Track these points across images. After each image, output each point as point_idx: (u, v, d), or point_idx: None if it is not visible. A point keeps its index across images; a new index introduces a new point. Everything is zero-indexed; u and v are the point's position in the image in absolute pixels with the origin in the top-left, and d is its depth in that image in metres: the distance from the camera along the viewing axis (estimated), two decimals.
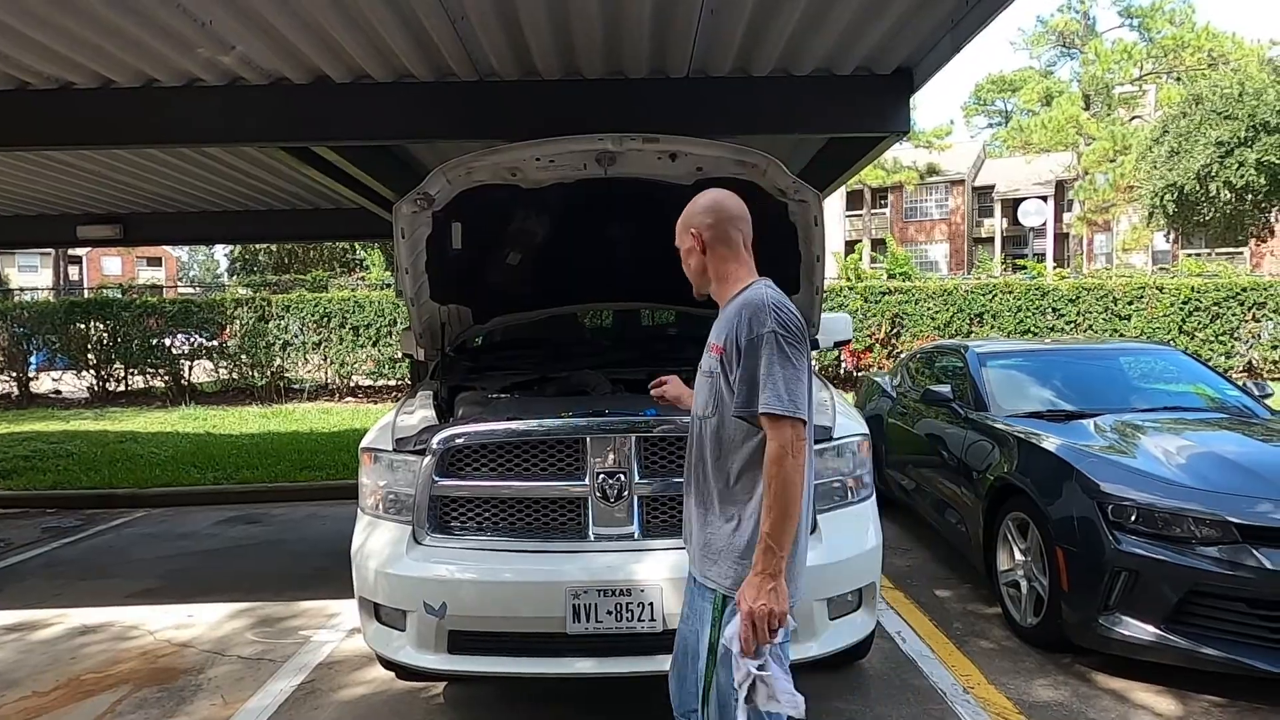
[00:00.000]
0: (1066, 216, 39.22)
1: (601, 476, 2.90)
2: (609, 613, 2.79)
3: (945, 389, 5.12)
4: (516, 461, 2.97)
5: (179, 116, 3.93)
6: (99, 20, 3.33)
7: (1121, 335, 13.14)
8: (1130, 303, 13.44)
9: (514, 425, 2.95)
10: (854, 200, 42.36)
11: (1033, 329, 13.56)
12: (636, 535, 2.93)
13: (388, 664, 3.13)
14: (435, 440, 2.99)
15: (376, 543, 3.06)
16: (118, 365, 14.52)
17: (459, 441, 2.97)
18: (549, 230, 3.73)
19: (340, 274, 23.91)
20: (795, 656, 2.90)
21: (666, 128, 3.29)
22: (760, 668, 1.80)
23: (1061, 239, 39.81)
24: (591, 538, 2.94)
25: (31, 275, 44.59)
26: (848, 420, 3.29)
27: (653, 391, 2.43)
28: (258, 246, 33.64)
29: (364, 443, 3.27)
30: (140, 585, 5.19)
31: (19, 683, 3.79)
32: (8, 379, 14.66)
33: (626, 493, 2.90)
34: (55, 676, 3.85)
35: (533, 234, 3.73)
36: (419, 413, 3.41)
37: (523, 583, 2.84)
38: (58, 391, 15.16)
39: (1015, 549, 4.06)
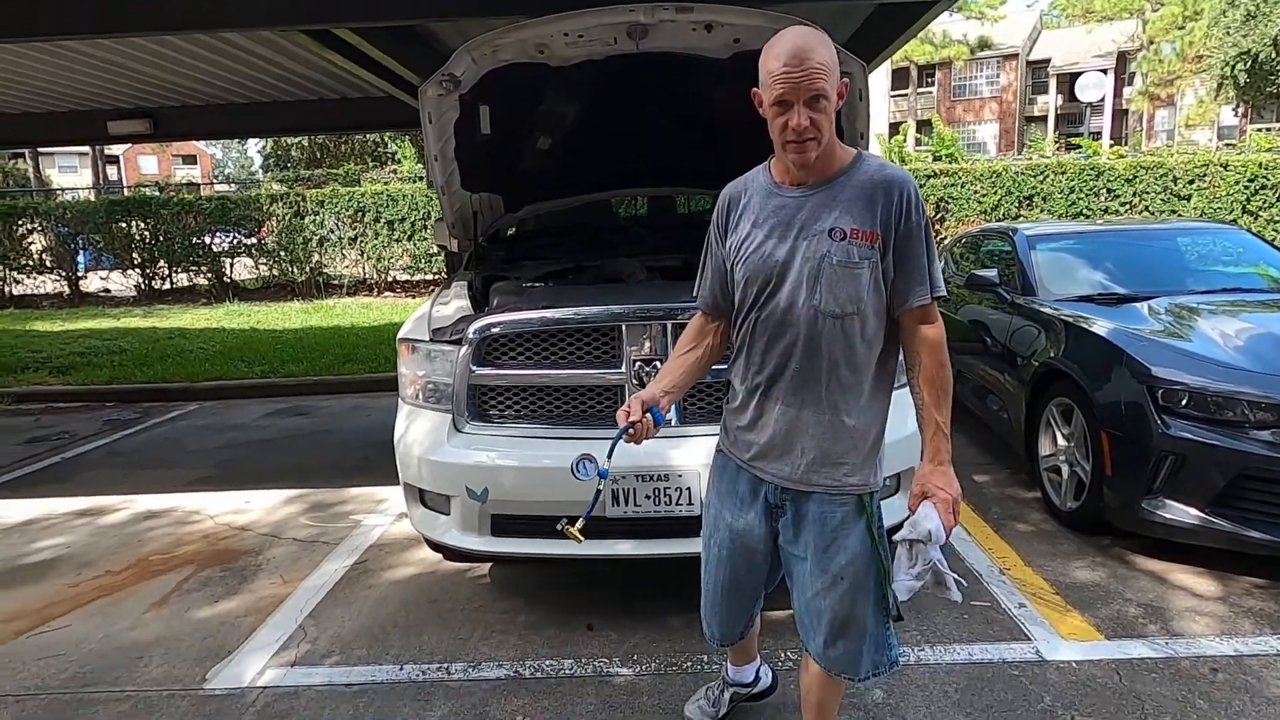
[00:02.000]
0: (1127, 91, 37.04)
1: (638, 364, 2.88)
2: (647, 497, 2.83)
3: (991, 273, 4.96)
4: (552, 350, 2.96)
5: (192, 1, 3.79)
6: None
7: (1180, 216, 12.55)
8: (1191, 182, 12.75)
9: (548, 313, 2.92)
10: (899, 79, 40.34)
11: (1086, 211, 13.01)
12: (674, 422, 2.93)
13: (434, 545, 3.23)
14: (471, 330, 2.99)
15: (418, 431, 3.11)
16: (162, 264, 14.74)
17: (494, 330, 2.96)
18: (580, 112, 3.59)
19: (372, 167, 23.69)
20: None
21: None
22: (942, 560, 1.78)
23: (1120, 115, 37.74)
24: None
25: (72, 175, 45.04)
26: None
27: (633, 424, 2.04)
28: (289, 142, 33.42)
29: (401, 333, 3.28)
30: (198, 473, 5.41)
31: (93, 563, 4.02)
32: (58, 278, 15.03)
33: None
34: (125, 557, 4.07)
35: (563, 116, 3.59)
36: (454, 303, 3.39)
37: (560, 468, 2.86)
38: (107, 290, 15.53)
39: (1058, 434, 4.01)
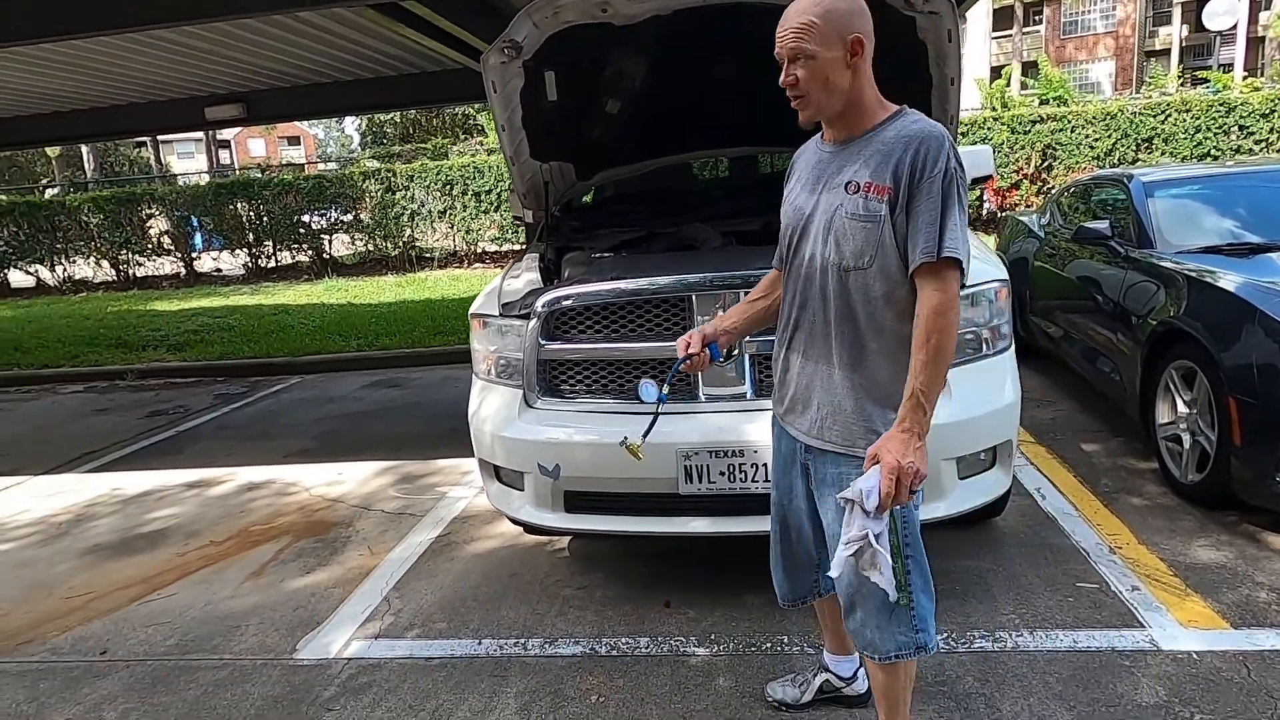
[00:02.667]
0: (1263, 16, 33.68)
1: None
2: (721, 474, 2.72)
3: (1102, 225, 4.57)
4: (622, 322, 2.88)
5: None
6: None
7: None
8: None
9: (617, 285, 2.83)
10: (1002, 19, 37.90)
11: (1214, 152, 11.92)
12: (749, 395, 2.81)
13: (512, 519, 3.23)
14: (539, 303, 2.93)
15: (490, 407, 3.09)
16: (266, 243, 15.42)
17: (562, 304, 2.89)
18: (648, 73, 3.44)
19: (462, 140, 24.07)
20: (923, 518, 2.77)
21: None
22: (878, 535, 1.67)
23: (1256, 44, 34.40)
24: (702, 398, 2.84)
25: (189, 161, 47.73)
26: (985, 265, 2.95)
27: (691, 356, 2.06)
28: (383, 119, 34.30)
29: (473, 308, 3.26)
30: (297, 445, 5.62)
31: (199, 533, 4.23)
32: (175, 259, 15.94)
33: (737, 351, 2.75)
34: (228, 528, 4.26)
35: (631, 78, 3.45)
36: (524, 276, 3.35)
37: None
38: (218, 270, 16.39)
39: (1178, 400, 3.67)
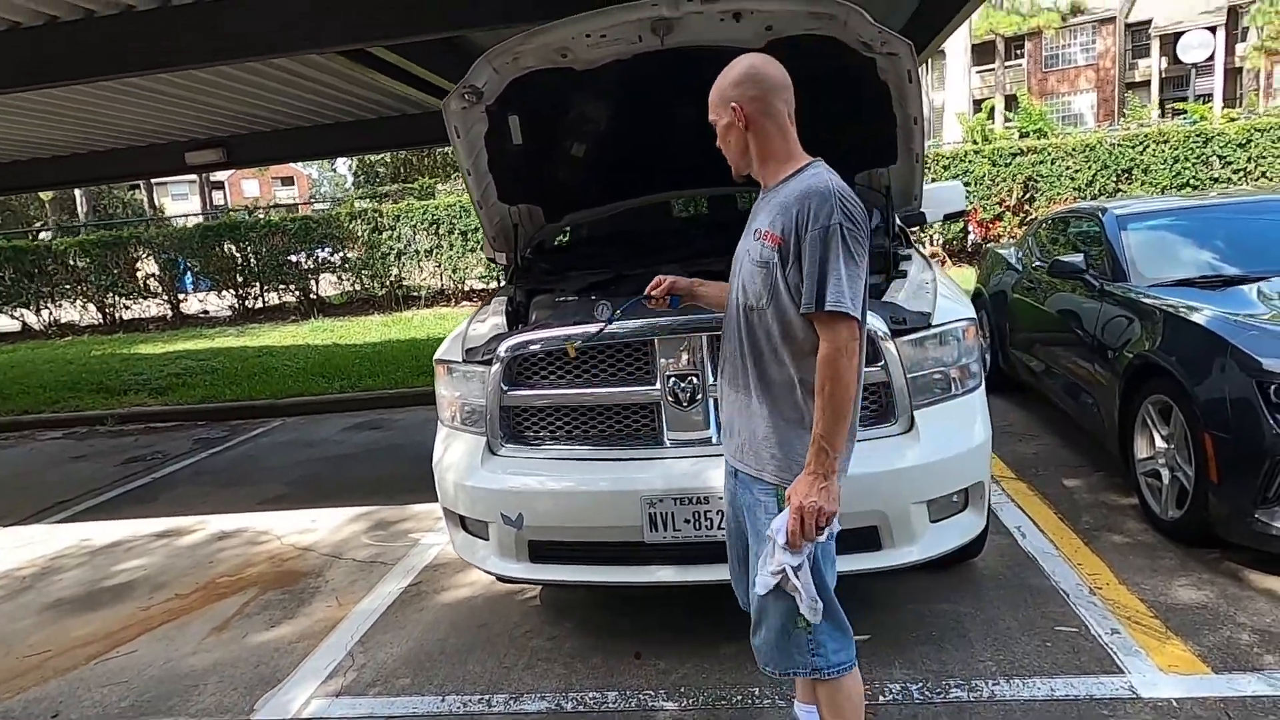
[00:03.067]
0: (1239, 48, 34.32)
1: (673, 379, 2.72)
2: (687, 521, 2.66)
3: (1077, 258, 4.56)
4: (583, 367, 2.83)
5: (231, 31, 3.82)
6: None
7: None
8: None
9: (575, 330, 2.79)
10: (983, 53, 38.51)
11: (1193, 182, 12.03)
12: (714, 440, 2.75)
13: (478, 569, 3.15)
14: (501, 349, 2.89)
15: (454, 454, 3.04)
16: (254, 284, 15.40)
17: (523, 349, 2.85)
18: (614, 115, 3.44)
19: (451, 178, 24.23)
20: (895, 563, 2.72)
21: None
22: (797, 567, 1.83)
23: (1233, 75, 35.01)
24: (667, 444, 2.79)
25: (183, 203, 47.91)
26: (951, 304, 2.94)
27: (653, 293, 2.23)
28: (374, 159, 34.51)
29: (438, 354, 3.22)
30: (272, 492, 5.54)
31: (165, 585, 4.13)
32: (162, 302, 15.90)
33: (700, 395, 2.71)
34: (195, 579, 4.17)
35: (597, 120, 3.45)
36: (490, 320, 3.31)
37: (597, 492, 2.75)
38: (205, 311, 16.34)
39: (1156, 435, 3.63)
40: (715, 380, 2.68)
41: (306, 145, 7.98)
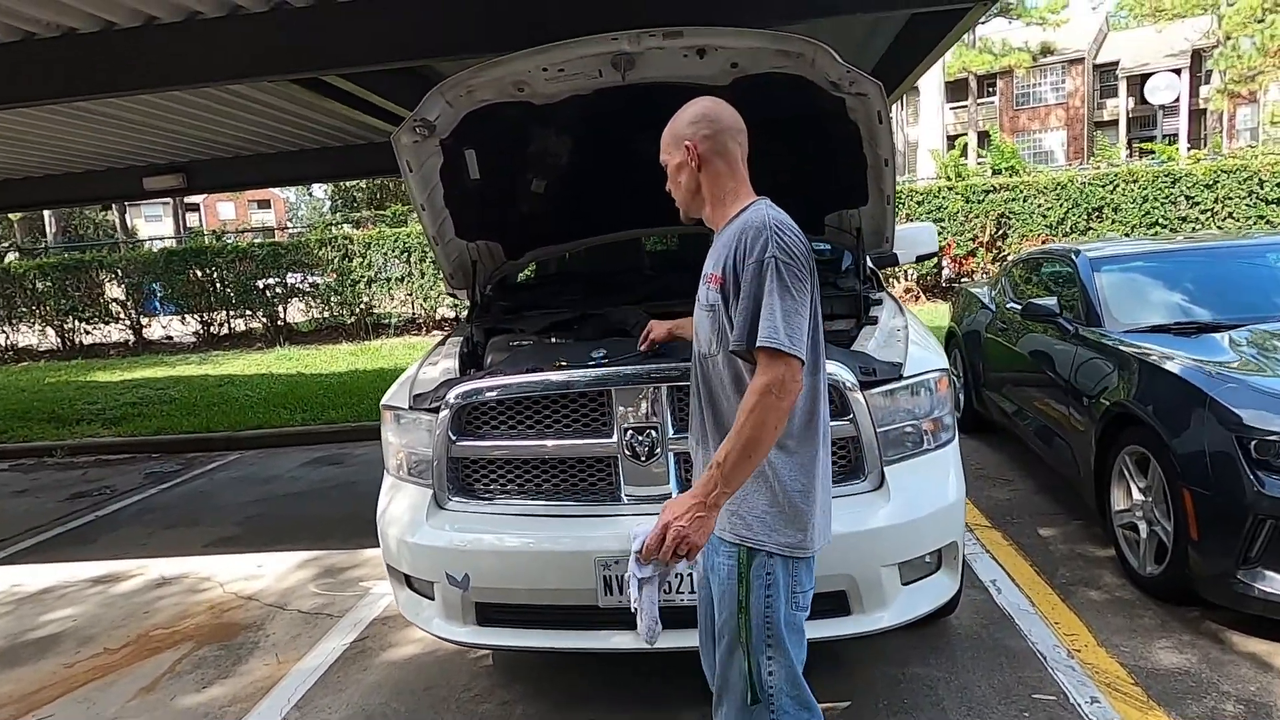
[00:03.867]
0: (1203, 90, 35.22)
1: (630, 432, 2.56)
2: None
3: (1050, 301, 4.49)
4: (536, 417, 2.67)
5: (179, 56, 3.66)
6: None
7: (1271, 224, 11.61)
8: None
9: (528, 378, 2.63)
10: (957, 91, 39.22)
11: (1162, 221, 12.16)
12: (674, 496, 2.58)
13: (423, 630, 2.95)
14: (450, 395, 2.71)
15: (399, 507, 2.85)
16: (219, 310, 15.08)
17: (472, 397, 2.68)
18: (574, 151, 3.31)
19: None
20: (865, 629, 2.55)
21: (709, 20, 2.78)
22: (643, 580, 1.81)
23: (1197, 116, 35.90)
24: (624, 500, 2.62)
25: (157, 224, 47.20)
26: (923, 353, 2.81)
27: (641, 348, 2.34)
28: (349, 184, 34.30)
29: (384, 399, 3.04)
30: (220, 533, 5.28)
31: (94, 639, 3.87)
32: (124, 327, 15.52)
33: (659, 449, 2.55)
34: (127, 632, 3.91)
35: (557, 156, 3.32)
36: (442, 363, 3.15)
37: (548, 552, 2.57)
38: (169, 337, 15.97)
39: (1133, 487, 3.52)
40: (674, 433, 2.55)
41: (270, 171, 7.79)
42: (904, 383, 2.66)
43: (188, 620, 4.00)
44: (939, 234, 8.92)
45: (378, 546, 4.53)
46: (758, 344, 1.67)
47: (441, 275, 3.76)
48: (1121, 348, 3.80)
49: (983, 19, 3.98)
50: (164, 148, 7.05)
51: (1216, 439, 3.00)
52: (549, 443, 2.65)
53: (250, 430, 8.16)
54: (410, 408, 2.85)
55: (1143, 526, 3.45)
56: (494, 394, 2.65)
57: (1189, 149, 22.52)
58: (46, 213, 30.73)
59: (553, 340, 3.15)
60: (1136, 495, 3.50)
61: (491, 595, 2.64)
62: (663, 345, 2.64)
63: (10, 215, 29.71)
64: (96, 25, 3.73)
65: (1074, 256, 4.78)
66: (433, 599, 2.77)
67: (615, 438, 2.57)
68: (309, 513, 5.58)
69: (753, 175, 1.90)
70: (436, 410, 2.74)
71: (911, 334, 2.93)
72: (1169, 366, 3.41)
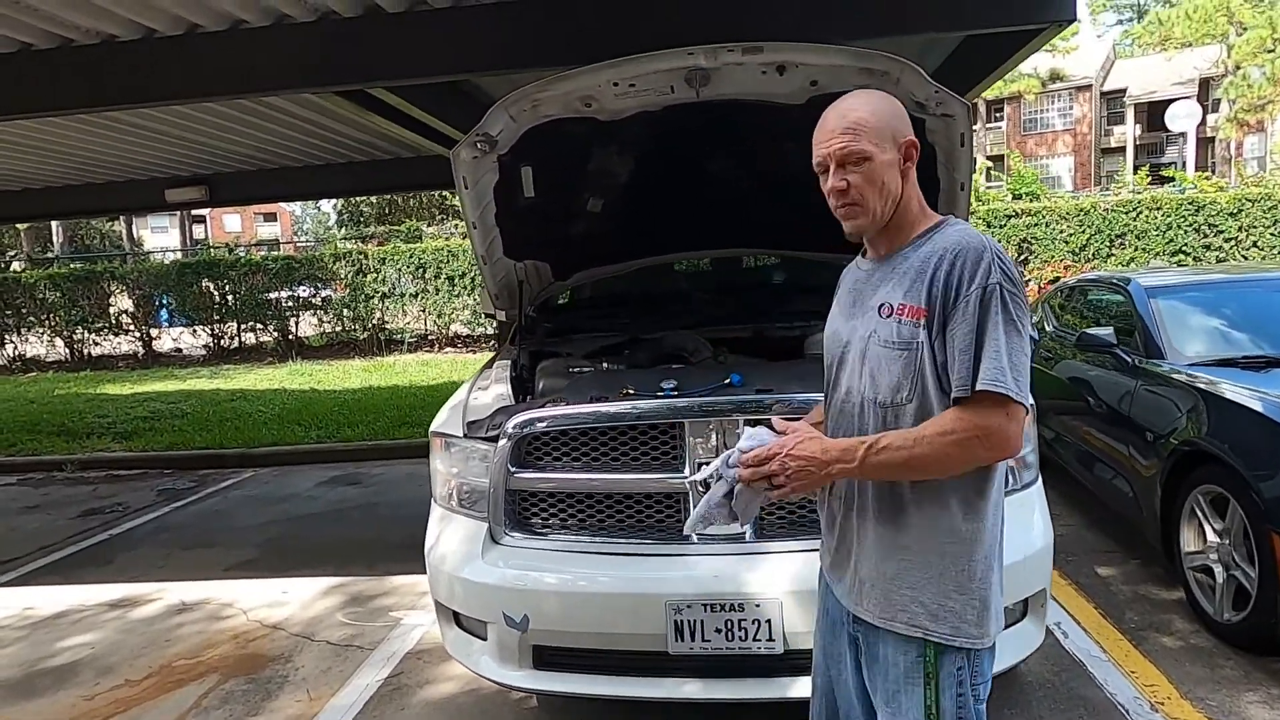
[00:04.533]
0: (1211, 119, 35.32)
1: (704, 467, 2.41)
2: (718, 630, 2.34)
3: (1106, 331, 4.35)
4: (603, 449, 2.52)
5: (222, 65, 3.56)
6: None
7: None
8: None
9: (598, 408, 2.49)
10: None
11: (1185, 249, 12.06)
12: (749, 537, 2.44)
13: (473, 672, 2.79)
14: (509, 425, 2.57)
15: (451, 541, 2.70)
16: (230, 324, 14.97)
17: (535, 427, 2.54)
18: (635, 169, 3.19)
19: (438, 221, 24.04)
20: None
21: (776, 37, 2.67)
22: (720, 477, 1.60)
23: (1205, 144, 35.96)
24: (694, 539, 2.47)
25: (163, 236, 47.23)
26: None
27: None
28: (358, 199, 34.31)
29: (434, 425, 2.90)
30: (240, 556, 5.12)
31: (114, 669, 3.70)
32: (133, 339, 15.39)
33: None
34: (149, 662, 3.75)
35: (616, 175, 3.20)
36: (494, 388, 3.00)
37: (615, 594, 2.42)
38: (179, 350, 15.84)
39: (1208, 528, 3.36)
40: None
41: (293, 185, 7.69)
42: None
43: (212, 650, 3.83)
44: None
45: (405, 574, 4.47)
46: (979, 387, 1.40)
47: (482, 295, 3.62)
48: (1190, 382, 3.66)
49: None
50: (187, 159, 6.96)
51: None
52: (615, 476, 2.50)
53: (265, 447, 8.01)
54: (464, 435, 2.70)
55: (1218, 570, 3.30)
56: (558, 424, 2.51)
57: (1197, 174, 22.46)
58: (54, 223, 30.75)
59: (614, 367, 3.01)
60: (1211, 537, 3.34)
61: (551, 638, 2.49)
62: (733, 377, 2.51)
63: (18, 224, 29.72)
64: (138, 32, 3.63)
65: (1126, 284, 4.65)
66: (484, 638, 2.61)
67: (688, 473, 2.43)
68: (330, 535, 5.42)
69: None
70: (495, 439, 2.60)
71: None
72: (1249, 402, 3.26)
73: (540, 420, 2.52)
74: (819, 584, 1.77)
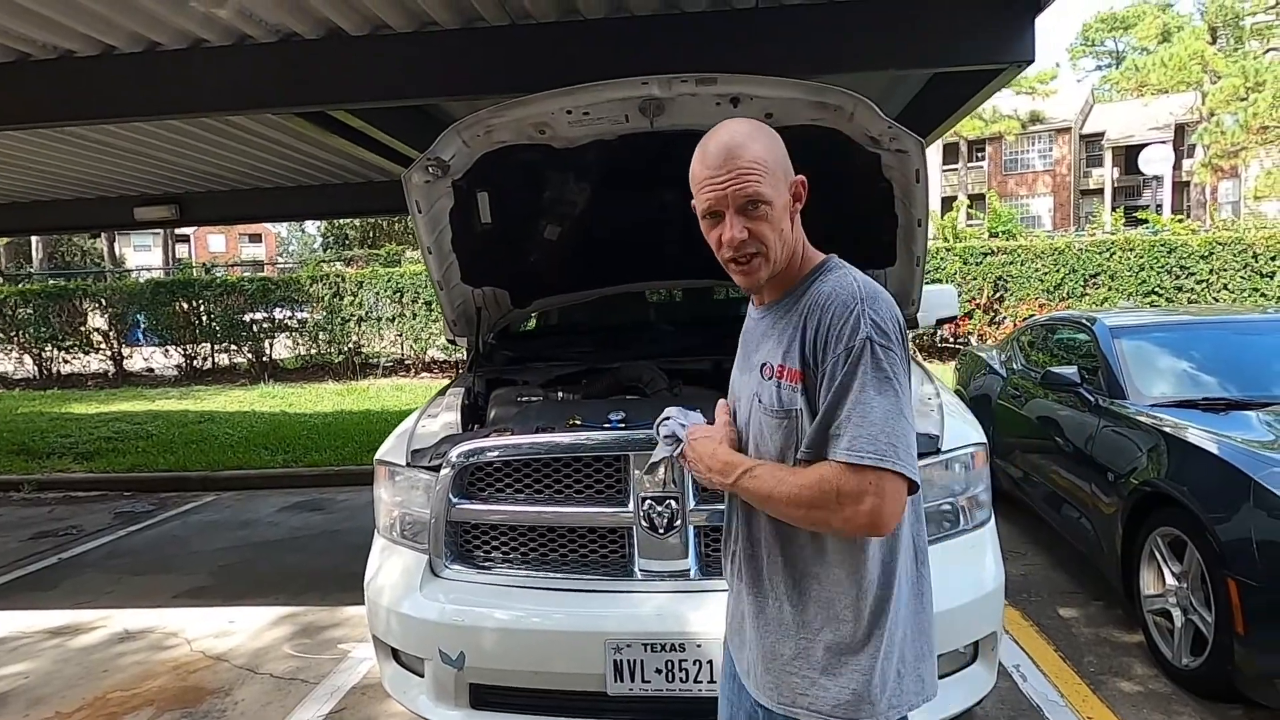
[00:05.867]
0: (1186, 164, 36.08)
1: (648, 502, 2.35)
2: (658, 671, 2.26)
3: (1070, 370, 4.35)
4: (547, 481, 2.46)
5: (181, 83, 3.53)
6: None
7: (1265, 298, 11.65)
8: (1275, 258, 11.90)
9: (542, 438, 2.43)
10: (949, 154, 40.03)
11: (1158, 290, 12.20)
12: (693, 574, 2.38)
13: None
14: (453, 454, 2.51)
15: (390, 573, 2.62)
16: (203, 343, 14.80)
17: (478, 457, 2.47)
18: (591, 198, 3.17)
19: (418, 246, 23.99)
20: None
21: (732, 69, 2.67)
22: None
23: (1180, 188, 36.70)
24: (638, 575, 2.41)
25: (145, 254, 46.88)
26: (960, 425, 2.65)
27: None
28: (343, 221, 34.29)
29: (379, 452, 2.83)
30: (191, 583, 4.98)
31: (45, 700, 3.56)
32: (104, 358, 15.17)
33: (679, 521, 2.35)
34: (83, 693, 3.61)
35: (572, 203, 3.17)
36: (443, 416, 2.94)
37: (553, 631, 2.34)
38: (150, 370, 15.62)
39: (1166, 570, 3.33)
40: (695, 504, 2.35)
41: (264, 207, 7.63)
42: (940, 457, 2.49)
43: (150, 681, 3.70)
44: None
45: (359, 604, 4.30)
46: (838, 458, 1.26)
47: (444, 321, 3.56)
48: (1151, 423, 3.65)
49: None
50: (157, 178, 6.89)
51: (1265, 526, 2.83)
52: (558, 509, 2.44)
53: (228, 471, 7.85)
54: (407, 464, 2.64)
55: (1177, 614, 3.26)
56: (501, 454, 2.45)
57: (1173, 218, 22.86)
58: (33, 238, 30.46)
59: (565, 397, 2.96)
60: (1170, 580, 3.31)
61: (488, 675, 2.41)
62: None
63: None
64: (96, 49, 3.59)
65: (1091, 324, 4.67)
66: (422, 675, 2.52)
67: (631, 507, 2.37)
68: (286, 563, 5.29)
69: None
70: (436, 469, 2.53)
71: (945, 403, 2.76)
72: (1206, 445, 3.25)
73: (483, 450, 2.46)
74: (724, 649, 1.66)
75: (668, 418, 1.58)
